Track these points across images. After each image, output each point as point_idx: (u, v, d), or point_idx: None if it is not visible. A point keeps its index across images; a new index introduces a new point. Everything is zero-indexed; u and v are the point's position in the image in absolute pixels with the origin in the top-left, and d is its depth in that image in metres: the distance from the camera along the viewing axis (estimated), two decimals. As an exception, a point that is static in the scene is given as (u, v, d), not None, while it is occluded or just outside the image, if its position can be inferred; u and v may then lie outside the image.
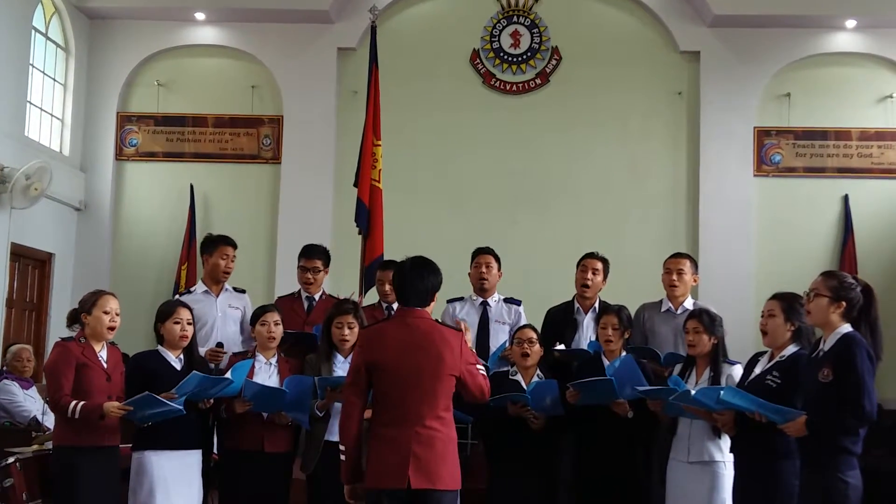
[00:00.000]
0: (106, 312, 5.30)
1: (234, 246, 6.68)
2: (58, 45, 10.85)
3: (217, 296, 6.54)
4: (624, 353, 5.68)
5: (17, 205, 9.31)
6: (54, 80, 10.81)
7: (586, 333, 6.42)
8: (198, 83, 11.31)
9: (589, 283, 6.46)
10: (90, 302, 5.33)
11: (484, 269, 6.64)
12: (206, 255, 6.65)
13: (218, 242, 6.64)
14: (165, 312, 5.50)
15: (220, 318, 6.44)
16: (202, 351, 6.15)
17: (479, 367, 4.63)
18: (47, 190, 9.55)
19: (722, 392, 4.75)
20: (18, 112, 9.91)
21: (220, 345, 6.23)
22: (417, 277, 4.55)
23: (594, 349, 6.07)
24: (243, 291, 6.72)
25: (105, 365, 5.29)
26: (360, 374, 4.46)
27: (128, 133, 11.20)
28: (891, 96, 10.75)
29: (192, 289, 6.73)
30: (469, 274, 6.73)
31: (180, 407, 5.11)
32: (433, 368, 4.40)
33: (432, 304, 4.64)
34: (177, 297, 6.76)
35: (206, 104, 11.22)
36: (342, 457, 4.54)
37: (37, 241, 10.20)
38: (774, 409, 4.54)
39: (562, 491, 5.94)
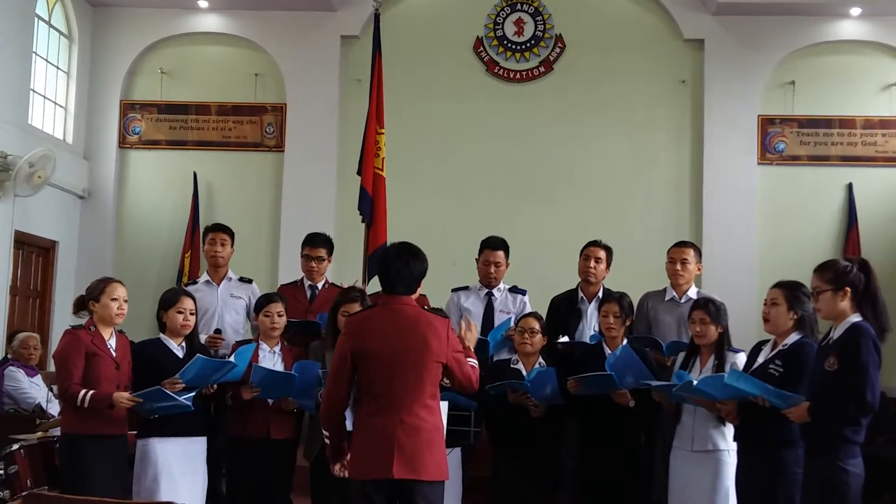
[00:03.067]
0: (114, 300, 5.29)
1: (226, 231, 6.73)
2: (61, 33, 10.84)
3: (218, 285, 6.59)
4: (624, 342, 5.69)
5: (21, 192, 9.32)
6: (57, 67, 10.80)
7: (590, 323, 6.40)
8: (201, 71, 11.30)
9: (592, 271, 6.44)
10: (98, 289, 5.32)
11: (493, 270, 6.60)
12: (204, 245, 6.71)
13: (208, 230, 6.78)
14: (169, 301, 5.50)
15: (221, 306, 6.50)
16: (202, 338, 6.20)
17: (470, 359, 4.55)
18: (51, 178, 9.55)
19: (727, 376, 4.75)
20: (22, 100, 9.91)
21: (217, 331, 6.28)
22: (403, 264, 4.45)
23: (596, 342, 6.07)
24: (250, 281, 6.77)
25: (114, 353, 5.29)
26: (345, 363, 4.36)
27: (131, 121, 11.21)
28: (895, 84, 10.72)
29: (197, 279, 6.78)
30: (477, 265, 6.69)
31: (188, 403, 5.11)
32: (419, 355, 4.31)
33: (417, 292, 4.54)
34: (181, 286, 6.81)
35: (210, 92, 11.22)
36: (326, 440, 4.48)
37: (40, 228, 10.21)
38: (778, 393, 4.55)
39: (565, 478, 5.96)
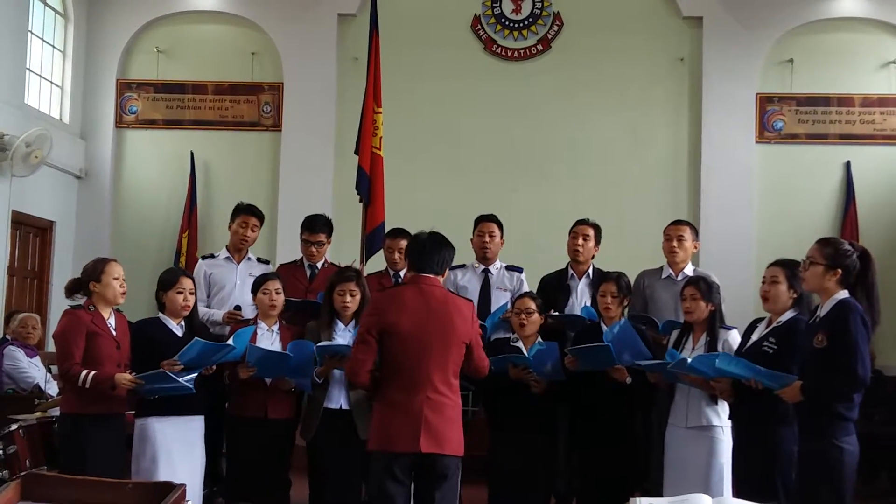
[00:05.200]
0: (116, 279, 5.29)
1: (258, 216, 6.76)
2: (56, 12, 10.80)
3: (238, 263, 6.64)
4: (622, 320, 5.70)
5: (18, 172, 9.31)
6: (53, 47, 10.76)
7: (580, 299, 6.44)
8: (197, 50, 11.26)
9: (580, 248, 6.48)
10: (98, 270, 5.31)
11: (487, 239, 6.64)
12: (231, 222, 6.74)
13: (240, 211, 6.75)
14: (168, 282, 5.49)
15: (239, 284, 6.53)
16: (220, 314, 6.22)
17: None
18: (48, 157, 9.54)
19: (717, 360, 4.77)
20: (18, 79, 9.87)
21: (238, 308, 6.28)
22: (435, 246, 4.69)
23: (587, 315, 6.09)
24: (267, 262, 6.84)
25: (114, 333, 5.29)
26: (370, 335, 4.57)
27: (128, 100, 11.17)
28: (894, 62, 10.70)
29: (215, 254, 6.79)
30: (471, 241, 6.72)
31: (190, 386, 5.13)
32: (446, 334, 4.52)
33: (443, 276, 4.76)
34: (199, 260, 6.82)
35: (206, 71, 11.18)
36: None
37: (37, 208, 10.20)
38: (770, 374, 4.57)
39: (561, 456, 5.98)
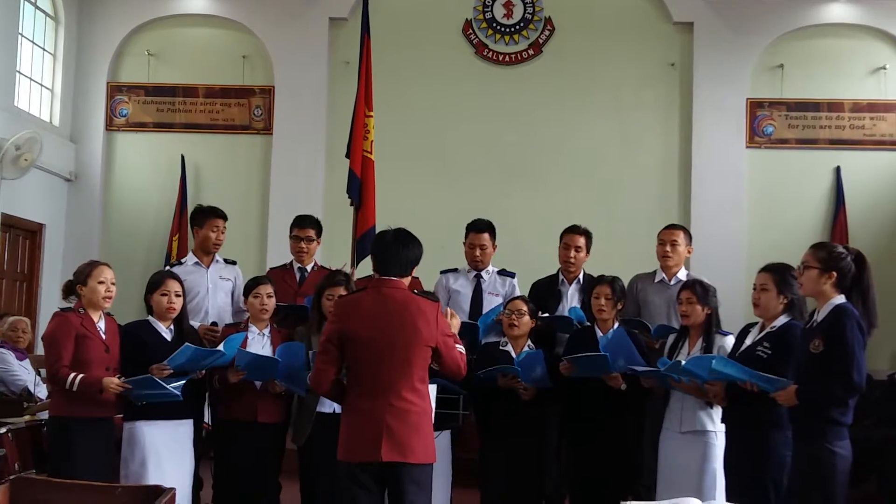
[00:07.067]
0: (101, 282, 5.27)
1: (225, 218, 6.67)
2: (47, 15, 10.77)
3: (207, 267, 6.56)
4: (616, 325, 5.70)
5: (8, 175, 9.28)
6: (44, 49, 10.74)
7: (570, 304, 6.42)
8: (188, 53, 11.25)
9: (572, 260, 6.45)
10: (85, 273, 5.30)
11: (478, 253, 6.59)
12: (196, 227, 6.64)
13: (208, 214, 6.63)
14: (154, 284, 5.49)
15: (211, 289, 6.47)
16: (194, 324, 6.17)
17: (458, 345, 4.57)
18: (38, 160, 9.52)
19: (714, 361, 4.76)
20: (8, 82, 9.85)
21: (214, 324, 6.23)
22: (400, 246, 4.51)
23: (576, 316, 6.09)
24: (234, 263, 6.75)
25: (103, 336, 5.27)
26: (331, 344, 4.41)
27: (118, 103, 11.15)
28: (884, 68, 10.74)
29: (182, 260, 6.74)
30: (464, 248, 6.70)
31: (178, 393, 5.11)
32: (408, 338, 4.34)
33: (409, 277, 4.58)
34: (167, 268, 6.75)
35: (197, 74, 11.16)
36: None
37: (27, 211, 10.17)
38: (765, 378, 4.57)
39: (553, 461, 5.97)
